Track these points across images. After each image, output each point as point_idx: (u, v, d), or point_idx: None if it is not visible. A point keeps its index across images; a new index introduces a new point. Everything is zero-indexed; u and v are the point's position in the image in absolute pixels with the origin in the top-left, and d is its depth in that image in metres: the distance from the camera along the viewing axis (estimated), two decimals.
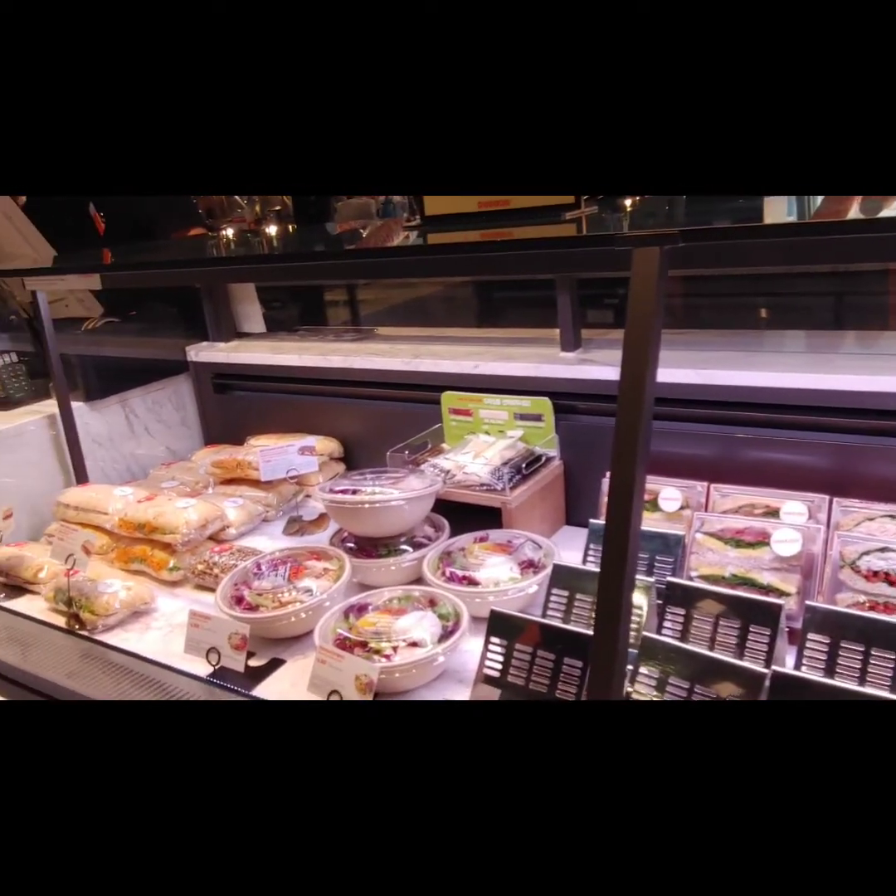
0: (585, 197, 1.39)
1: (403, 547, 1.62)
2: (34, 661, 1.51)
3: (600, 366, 1.72)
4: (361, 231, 3.42)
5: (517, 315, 2.75)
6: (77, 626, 1.59)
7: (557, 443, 1.77)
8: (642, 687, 1.13)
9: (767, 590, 1.31)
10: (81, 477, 2.11)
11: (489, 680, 1.24)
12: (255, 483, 2.01)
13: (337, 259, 1.61)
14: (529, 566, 1.51)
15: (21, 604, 1.75)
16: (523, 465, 1.68)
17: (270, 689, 1.34)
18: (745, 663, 1.10)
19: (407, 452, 1.81)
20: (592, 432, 1.76)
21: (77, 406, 2.15)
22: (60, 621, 1.62)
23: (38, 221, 2.27)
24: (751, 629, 1.21)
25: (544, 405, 1.76)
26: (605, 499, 1.68)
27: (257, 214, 5.30)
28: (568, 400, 1.77)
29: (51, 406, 2.16)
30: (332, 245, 2.08)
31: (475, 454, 1.73)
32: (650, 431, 0.91)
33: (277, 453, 1.91)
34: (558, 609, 1.38)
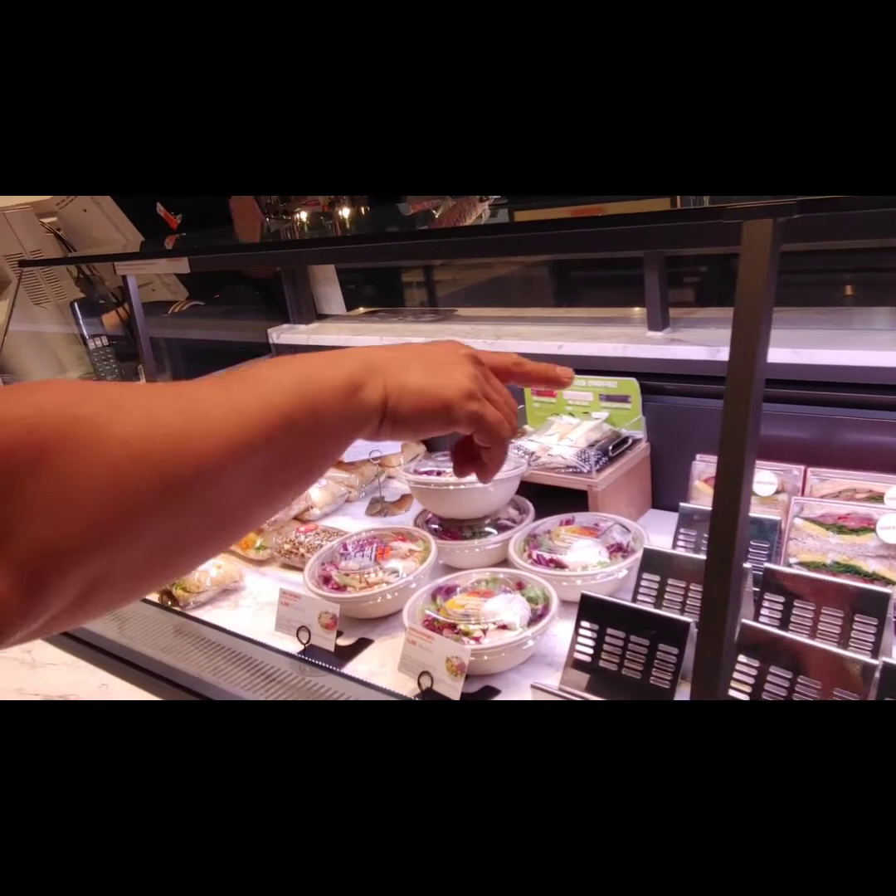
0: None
1: (488, 529, 1.61)
2: (131, 636, 1.56)
3: (690, 345, 1.67)
4: (434, 211, 3.40)
5: (596, 295, 2.70)
6: (170, 603, 1.63)
7: (644, 424, 1.74)
8: (742, 676, 1.10)
9: (872, 578, 1.26)
10: None
11: (580, 664, 1.22)
12: (338, 464, 2.03)
13: (422, 239, 1.60)
14: (618, 550, 1.48)
15: None
16: (610, 448, 1.65)
17: (359, 669, 1.35)
18: (854, 654, 1.06)
19: None
20: (681, 414, 1.72)
21: None
22: (153, 597, 1.67)
23: (127, 208, 2.33)
24: (856, 619, 1.16)
25: (631, 386, 1.72)
26: (696, 482, 1.64)
27: (330, 197, 5.33)
28: (655, 380, 1.73)
29: None
30: (406, 226, 2.07)
31: (560, 436, 1.70)
32: (760, 415, 0.88)
33: None
34: (649, 594, 1.35)
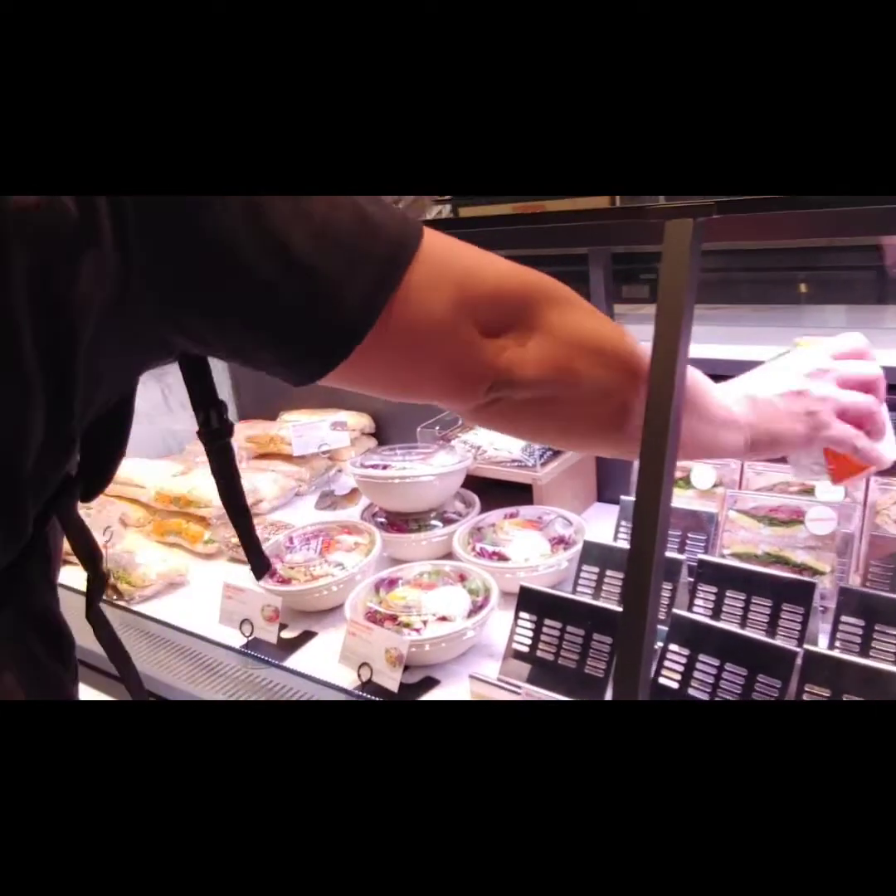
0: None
1: (434, 522, 1.62)
2: (75, 630, 1.55)
3: None
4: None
5: None
6: (115, 597, 1.62)
7: None
8: (672, 664, 1.12)
9: (801, 568, 1.29)
10: None
11: (518, 655, 1.24)
12: (288, 458, 2.03)
13: None
14: (560, 542, 1.51)
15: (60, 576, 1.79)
16: None
17: (303, 662, 1.36)
18: (777, 641, 1.09)
19: (437, 428, 1.82)
20: None
21: None
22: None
23: None
24: (783, 608, 1.20)
25: None
26: (637, 476, 1.67)
27: None
28: None
29: None
30: None
31: None
32: (682, 408, 0.90)
33: (309, 428, 1.93)
34: (588, 586, 1.38)
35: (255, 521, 1.78)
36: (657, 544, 0.90)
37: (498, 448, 1.67)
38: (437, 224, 1.42)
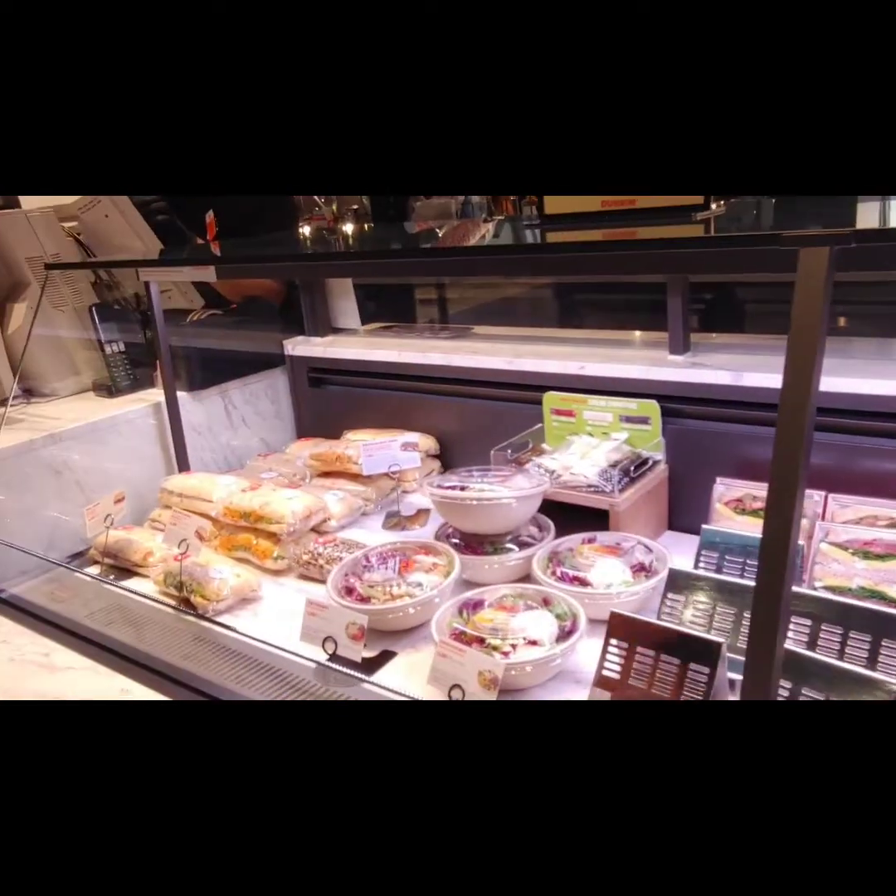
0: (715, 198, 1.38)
1: (509, 545, 1.62)
2: (150, 642, 1.55)
3: (711, 369, 1.70)
4: (438, 230, 3.42)
5: (609, 317, 2.73)
6: (188, 609, 1.62)
7: (664, 446, 1.76)
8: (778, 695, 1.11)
9: None
10: (183, 465, 2.16)
11: (607, 683, 1.23)
12: (354, 477, 2.03)
13: (448, 256, 1.62)
14: (641, 569, 1.50)
15: (129, 586, 1.80)
16: (631, 468, 1.67)
17: (386, 681, 1.35)
18: (884, 676, 1.08)
19: (509, 451, 1.82)
20: (700, 437, 1.74)
21: (179, 395, 2.20)
22: (170, 603, 1.66)
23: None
24: (883, 643, 1.18)
25: (652, 408, 1.74)
26: (717, 505, 1.66)
27: (334, 213, 5.37)
28: (675, 403, 1.75)
29: (152, 395, 2.22)
30: (410, 243, 2.10)
31: (581, 455, 1.72)
32: (811, 442, 0.90)
33: (379, 448, 1.93)
34: (673, 614, 1.37)
35: (324, 538, 1.79)
36: (787, 578, 0.90)
37: (574, 473, 1.66)
38: (532, 249, 1.43)
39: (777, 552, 0.89)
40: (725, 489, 1.63)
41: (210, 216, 2.27)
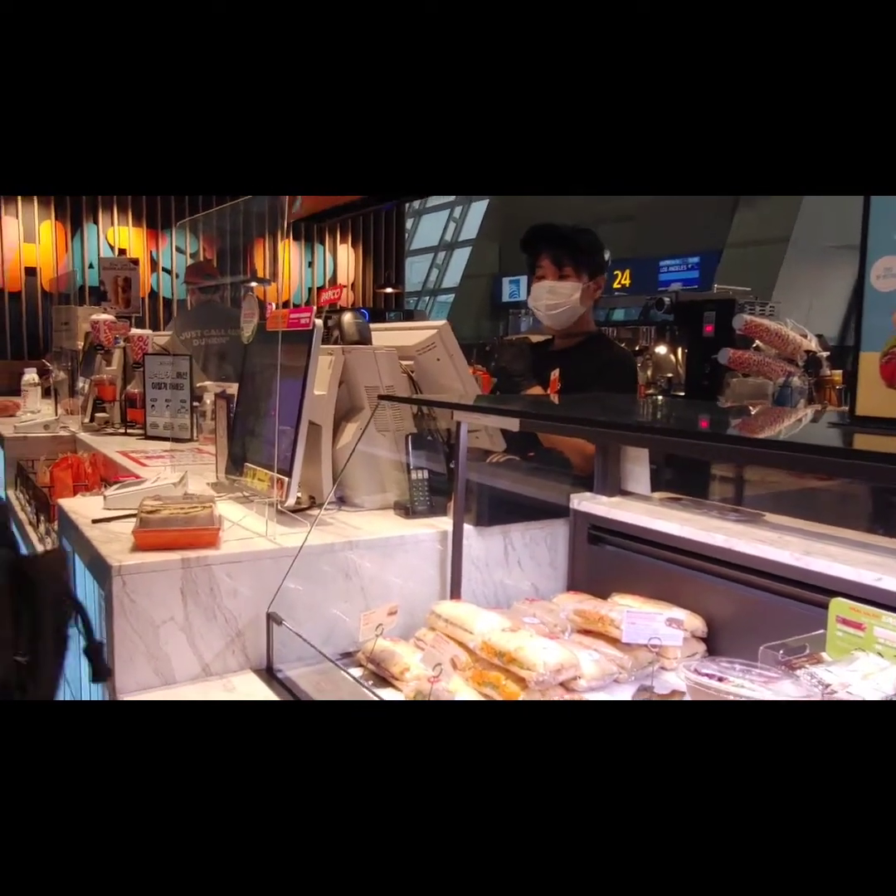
0: None
1: None
2: None
3: None
4: (751, 410, 3.36)
5: None
6: None
7: None
8: None
9: None
10: (456, 592, 2.28)
11: None
12: (613, 641, 2.01)
13: (754, 447, 1.62)
14: None
15: (383, 695, 1.92)
16: None
17: None
18: None
19: (781, 652, 1.70)
20: None
21: (465, 528, 2.35)
22: None
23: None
24: None
25: None
26: None
27: (648, 378, 5.52)
28: None
29: (442, 522, 2.40)
30: (719, 420, 2.09)
31: (864, 675, 1.56)
32: None
33: (644, 618, 1.90)
34: None
35: (570, 695, 1.79)
36: None
37: (851, 692, 1.51)
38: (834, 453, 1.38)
39: None
40: None
41: (555, 374, 2.48)
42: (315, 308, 2.33)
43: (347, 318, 2.59)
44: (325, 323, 2.46)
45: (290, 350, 2.31)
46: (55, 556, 0.78)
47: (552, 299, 2.96)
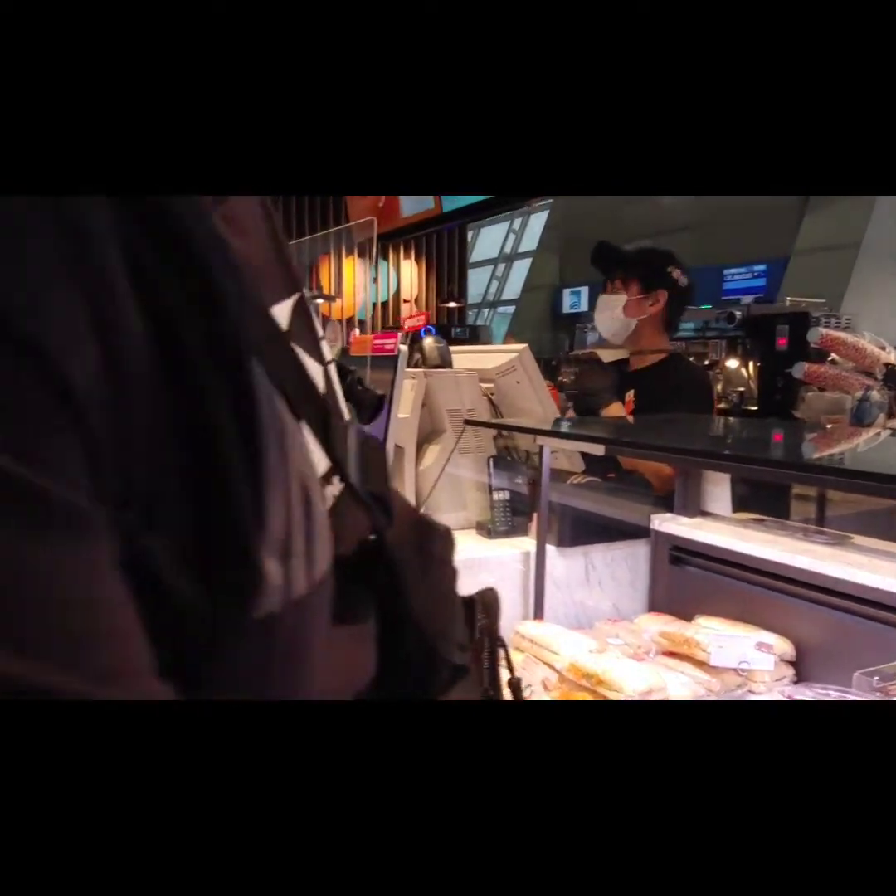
0: None
1: None
2: None
3: None
4: (827, 427, 3.32)
5: None
6: None
7: None
8: None
9: None
10: (539, 613, 2.32)
11: None
12: (699, 663, 2.02)
13: (832, 475, 1.62)
14: None
15: None
16: None
17: None
18: None
19: (876, 678, 1.69)
20: None
21: (547, 548, 2.39)
22: None
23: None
24: None
25: None
26: None
27: (720, 393, 5.48)
28: None
29: (524, 543, 2.44)
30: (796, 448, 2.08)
31: None
32: None
33: (732, 641, 1.91)
34: None
35: None
36: None
37: None
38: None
39: None
40: None
41: (630, 395, 2.51)
42: (400, 334, 2.40)
43: (429, 342, 2.66)
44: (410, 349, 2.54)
45: (375, 375, 2.38)
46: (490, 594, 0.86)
47: (600, 311, 3.00)
